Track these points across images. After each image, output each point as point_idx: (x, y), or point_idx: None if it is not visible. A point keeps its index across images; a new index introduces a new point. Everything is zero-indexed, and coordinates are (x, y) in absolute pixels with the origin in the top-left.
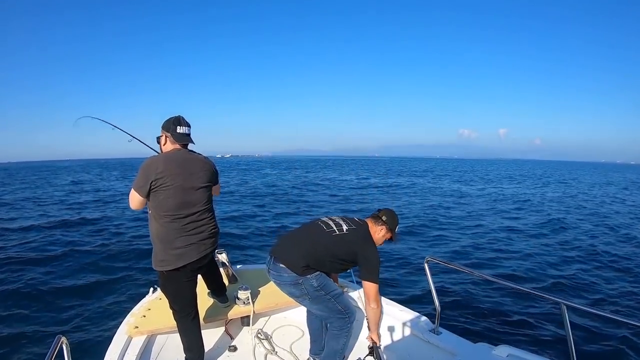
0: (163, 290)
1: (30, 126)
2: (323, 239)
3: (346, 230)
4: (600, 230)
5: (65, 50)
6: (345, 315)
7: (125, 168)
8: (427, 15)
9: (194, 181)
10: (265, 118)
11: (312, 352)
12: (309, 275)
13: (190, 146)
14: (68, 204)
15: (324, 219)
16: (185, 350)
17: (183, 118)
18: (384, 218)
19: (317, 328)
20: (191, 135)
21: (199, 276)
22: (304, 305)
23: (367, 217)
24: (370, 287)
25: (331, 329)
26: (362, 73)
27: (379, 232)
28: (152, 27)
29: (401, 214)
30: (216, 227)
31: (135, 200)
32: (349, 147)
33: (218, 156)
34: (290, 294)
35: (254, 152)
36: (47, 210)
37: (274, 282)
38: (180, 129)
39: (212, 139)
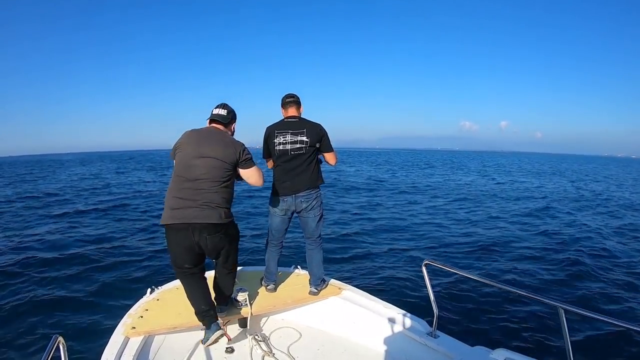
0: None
1: (30, 119)
2: (305, 154)
3: (306, 138)
4: None
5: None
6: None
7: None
8: (428, 6)
9: (203, 150)
10: (262, 109)
11: (272, 279)
12: (319, 188)
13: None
14: (63, 199)
15: (287, 147)
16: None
17: (224, 104)
18: (297, 100)
19: (276, 263)
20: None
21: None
22: (310, 217)
23: (290, 107)
24: (334, 154)
25: (317, 242)
26: (361, 65)
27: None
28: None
29: None
30: (216, 202)
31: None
32: (347, 139)
33: None
34: (315, 206)
35: (254, 144)
36: (46, 206)
37: (304, 205)
38: (214, 110)
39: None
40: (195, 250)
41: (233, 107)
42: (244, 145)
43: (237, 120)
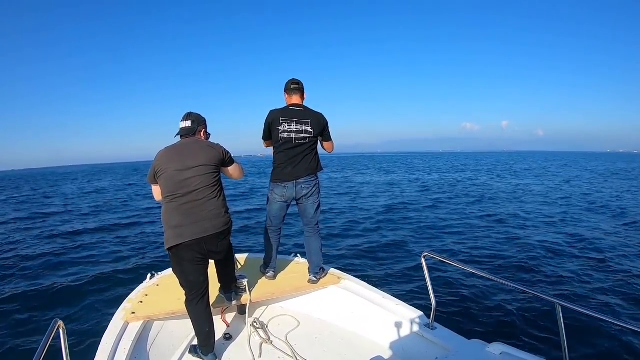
0: (173, 271)
1: (30, 133)
2: (308, 143)
3: (310, 128)
4: None
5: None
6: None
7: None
8: (428, 7)
9: (189, 161)
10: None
11: (271, 266)
12: (317, 175)
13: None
14: (74, 195)
15: (292, 135)
16: (196, 335)
17: (188, 113)
18: (301, 87)
19: (275, 251)
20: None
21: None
22: (309, 204)
23: (295, 94)
24: (333, 143)
25: (316, 229)
26: (363, 71)
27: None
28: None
29: None
30: (220, 209)
31: (153, 190)
32: (350, 144)
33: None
34: (314, 193)
35: (256, 152)
36: (50, 202)
37: (305, 192)
38: (180, 124)
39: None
40: (206, 259)
41: (200, 113)
42: (220, 145)
43: (206, 123)
